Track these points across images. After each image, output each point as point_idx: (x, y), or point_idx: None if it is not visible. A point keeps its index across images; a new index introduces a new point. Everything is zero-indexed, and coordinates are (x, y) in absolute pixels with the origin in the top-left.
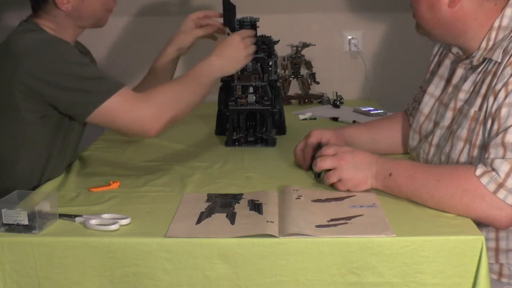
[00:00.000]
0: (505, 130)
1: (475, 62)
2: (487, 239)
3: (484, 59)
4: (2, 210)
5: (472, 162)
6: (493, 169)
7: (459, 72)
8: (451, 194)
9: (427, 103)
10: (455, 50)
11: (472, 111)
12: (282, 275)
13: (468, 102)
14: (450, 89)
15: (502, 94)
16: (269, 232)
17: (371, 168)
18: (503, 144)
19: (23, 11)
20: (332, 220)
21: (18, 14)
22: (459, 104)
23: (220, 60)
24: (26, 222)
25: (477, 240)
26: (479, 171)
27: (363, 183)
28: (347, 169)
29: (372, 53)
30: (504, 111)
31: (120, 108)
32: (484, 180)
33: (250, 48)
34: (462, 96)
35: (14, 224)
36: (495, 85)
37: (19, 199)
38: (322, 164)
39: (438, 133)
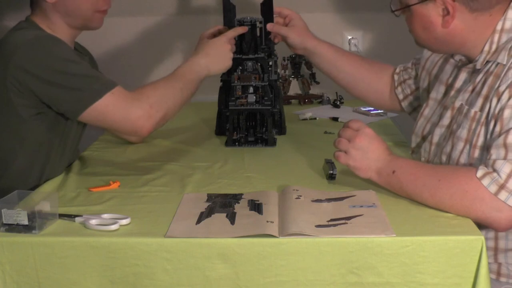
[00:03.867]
0: (507, 131)
1: (478, 66)
2: (486, 239)
3: (488, 61)
4: (2, 210)
5: (472, 163)
6: (495, 170)
7: (462, 76)
8: (451, 194)
9: (431, 108)
10: (457, 57)
11: (472, 112)
12: (282, 275)
13: (468, 102)
14: (452, 93)
15: (505, 96)
16: (269, 232)
17: (378, 162)
18: (505, 145)
19: (23, 11)
20: (332, 220)
21: (19, 14)
22: (458, 103)
23: (206, 59)
24: (26, 222)
25: (477, 240)
26: (480, 172)
27: (363, 171)
28: (358, 149)
29: (372, 53)
30: (507, 112)
31: (112, 107)
32: (485, 181)
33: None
34: (461, 96)
35: (14, 224)
36: (499, 86)
37: (19, 199)
38: (343, 132)
39: (438, 131)
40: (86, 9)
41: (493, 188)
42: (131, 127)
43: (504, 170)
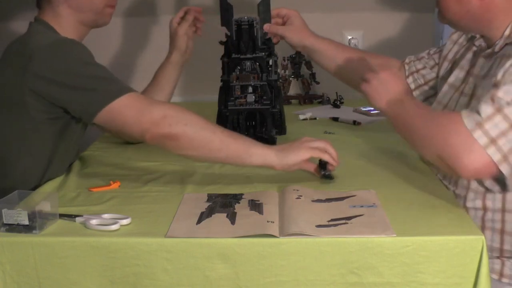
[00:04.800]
0: (497, 86)
1: (496, 49)
2: (491, 240)
3: (506, 45)
4: (3, 210)
5: None
6: (477, 112)
7: (480, 62)
8: (436, 124)
9: (447, 93)
10: (478, 42)
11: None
12: (282, 275)
13: (482, 85)
14: (470, 79)
15: (508, 63)
16: (270, 232)
17: (390, 94)
18: (492, 97)
19: (26, 11)
20: (332, 220)
21: (20, 13)
22: (479, 92)
23: (276, 154)
24: (26, 222)
25: (477, 240)
26: (464, 113)
27: (379, 99)
28: (379, 81)
29: None
30: (501, 72)
31: (127, 107)
32: (466, 119)
33: (311, 153)
34: (482, 84)
35: (14, 224)
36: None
37: (19, 199)
38: (370, 74)
39: None
40: (99, 3)
41: (470, 124)
42: (139, 127)
43: (485, 110)
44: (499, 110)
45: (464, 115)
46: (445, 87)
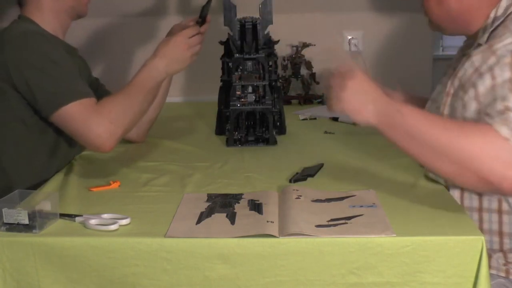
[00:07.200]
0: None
1: (473, 48)
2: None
3: (479, 45)
4: (3, 210)
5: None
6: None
7: (464, 60)
8: (475, 143)
9: (436, 90)
10: (466, 42)
11: (468, 92)
12: (282, 275)
13: (461, 86)
14: (455, 79)
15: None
16: (269, 232)
17: (377, 102)
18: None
19: (13, 7)
20: (332, 220)
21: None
22: (452, 90)
23: (164, 62)
24: (26, 221)
25: (477, 240)
26: (497, 124)
27: (361, 113)
28: (352, 91)
29: (372, 53)
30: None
31: (75, 117)
32: (501, 130)
33: (195, 48)
34: (457, 82)
35: (14, 224)
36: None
37: (20, 198)
38: (332, 80)
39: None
40: None
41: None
42: (91, 143)
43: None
44: None
45: (496, 126)
46: (438, 86)
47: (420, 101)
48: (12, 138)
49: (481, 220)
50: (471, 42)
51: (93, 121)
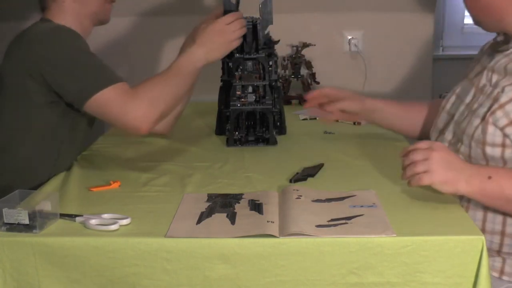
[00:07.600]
0: None
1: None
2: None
3: None
4: (3, 210)
5: (485, 140)
6: None
7: (497, 57)
8: None
9: (461, 84)
10: (499, 38)
11: (495, 92)
12: (282, 275)
13: (493, 83)
14: (485, 72)
15: None
16: (269, 232)
17: (465, 170)
18: None
19: (35, 11)
20: (332, 220)
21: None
22: (482, 83)
23: (202, 49)
24: (26, 221)
25: (477, 240)
26: None
27: (451, 184)
28: (438, 162)
29: (372, 53)
30: None
31: (113, 101)
32: None
33: (238, 32)
34: (488, 75)
35: (15, 224)
36: None
37: (20, 198)
38: (415, 155)
39: (461, 109)
40: None
41: None
42: (129, 125)
43: None
44: None
45: None
46: (464, 82)
47: (398, 106)
48: (28, 132)
49: (484, 220)
50: (505, 39)
51: (130, 104)
